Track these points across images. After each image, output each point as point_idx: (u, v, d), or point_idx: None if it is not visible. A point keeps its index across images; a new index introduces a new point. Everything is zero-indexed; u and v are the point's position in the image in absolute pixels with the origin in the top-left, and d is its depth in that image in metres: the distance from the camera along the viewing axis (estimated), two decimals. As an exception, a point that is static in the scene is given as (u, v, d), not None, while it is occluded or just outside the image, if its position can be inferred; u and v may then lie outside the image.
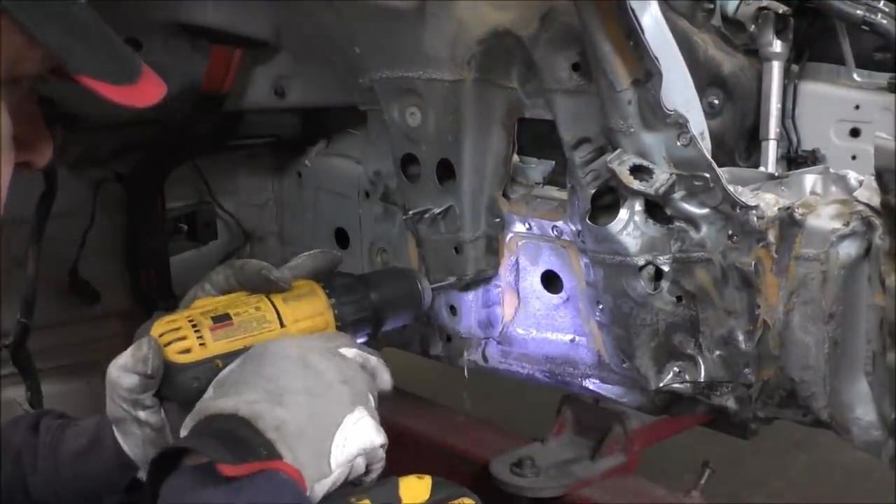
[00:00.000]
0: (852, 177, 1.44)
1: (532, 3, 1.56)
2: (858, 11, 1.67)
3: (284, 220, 2.41)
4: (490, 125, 1.73)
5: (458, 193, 1.77)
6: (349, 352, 1.26)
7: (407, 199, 1.85)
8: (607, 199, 1.57)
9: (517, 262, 1.79)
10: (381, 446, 1.21)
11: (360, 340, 1.38)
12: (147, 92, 1.11)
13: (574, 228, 1.66)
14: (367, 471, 1.22)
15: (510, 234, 1.79)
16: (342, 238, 2.18)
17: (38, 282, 2.03)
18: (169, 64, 1.90)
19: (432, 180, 1.78)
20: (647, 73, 1.45)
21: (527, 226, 1.75)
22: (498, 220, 1.78)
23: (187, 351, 1.22)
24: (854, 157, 1.75)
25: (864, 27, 1.68)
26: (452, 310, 1.87)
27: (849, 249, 1.36)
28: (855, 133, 1.76)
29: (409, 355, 2.04)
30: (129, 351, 1.22)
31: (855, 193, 1.40)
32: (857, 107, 1.76)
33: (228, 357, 1.23)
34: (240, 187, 2.43)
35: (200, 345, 1.23)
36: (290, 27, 1.96)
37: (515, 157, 1.77)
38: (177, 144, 2.28)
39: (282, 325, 1.28)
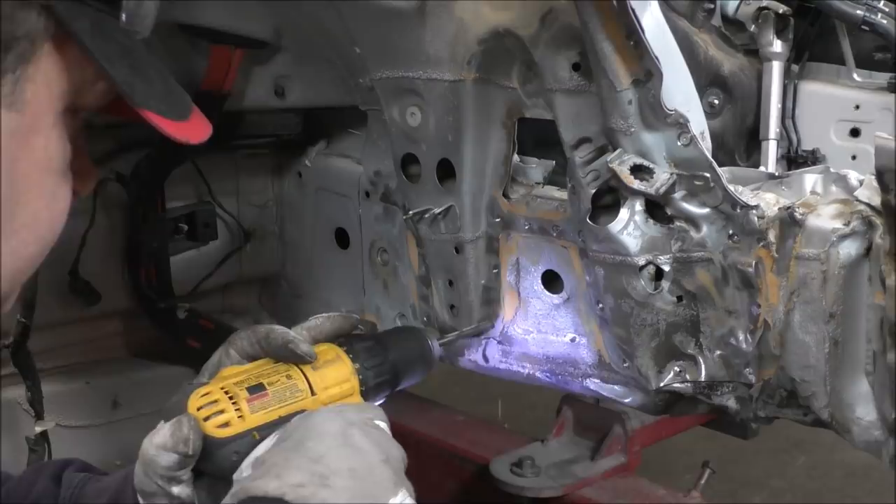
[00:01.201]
0: (853, 176, 1.44)
1: (532, 2, 1.56)
2: (858, 11, 1.67)
3: (284, 220, 2.40)
4: (490, 125, 1.73)
5: (459, 193, 1.77)
6: (383, 424, 1.23)
7: (407, 199, 1.85)
8: (608, 199, 1.57)
9: (517, 262, 1.79)
10: None
11: (379, 402, 1.37)
12: (199, 128, 1.14)
13: (574, 228, 1.65)
14: None
15: (510, 234, 1.79)
16: (342, 238, 2.18)
17: (38, 282, 2.03)
18: (168, 64, 1.90)
19: (432, 180, 1.78)
20: (647, 73, 1.45)
21: (527, 226, 1.75)
22: (498, 219, 1.78)
23: (226, 425, 1.20)
24: (854, 157, 1.75)
25: (864, 27, 1.68)
26: (453, 309, 1.87)
27: (849, 249, 1.36)
28: (855, 133, 1.76)
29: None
30: (168, 429, 1.18)
31: (855, 193, 1.39)
32: (857, 107, 1.76)
33: (265, 428, 1.21)
34: (240, 187, 2.43)
35: (239, 417, 1.20)
36: (290, 27, 1.95)
37: (515, 157, 1.77)
38: (177, 144, 2.27)
39: (312, 392, 1.26)
